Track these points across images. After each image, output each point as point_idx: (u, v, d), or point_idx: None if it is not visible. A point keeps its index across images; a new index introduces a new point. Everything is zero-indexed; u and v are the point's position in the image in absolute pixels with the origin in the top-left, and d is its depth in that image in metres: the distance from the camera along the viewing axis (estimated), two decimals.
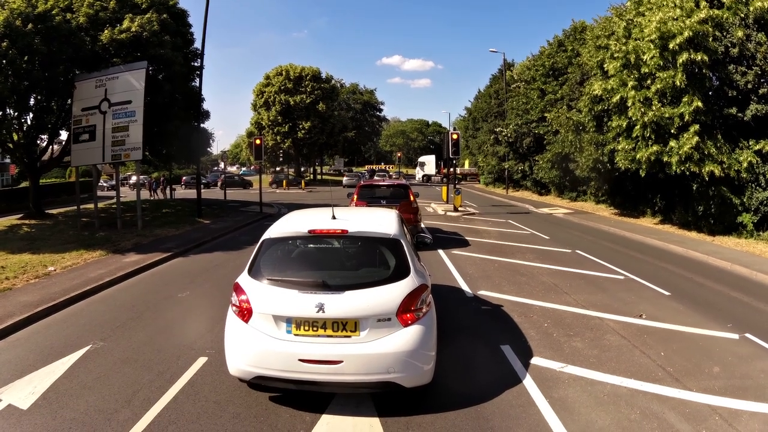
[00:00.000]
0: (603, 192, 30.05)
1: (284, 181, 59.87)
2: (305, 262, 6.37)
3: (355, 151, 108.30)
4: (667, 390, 6.21)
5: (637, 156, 19.57)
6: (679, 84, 17.87)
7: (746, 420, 5.53)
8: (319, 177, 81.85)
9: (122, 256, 14.81)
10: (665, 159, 18.55)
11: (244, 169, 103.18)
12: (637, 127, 19.27)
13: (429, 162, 78.20)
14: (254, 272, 5.91)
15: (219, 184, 58.57)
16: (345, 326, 5.38)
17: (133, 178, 43.76)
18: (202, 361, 7.01)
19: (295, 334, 5.40)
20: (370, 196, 16.96)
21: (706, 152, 17.69)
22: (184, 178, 60.87)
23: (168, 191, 43.31)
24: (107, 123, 19.78)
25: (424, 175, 76.02)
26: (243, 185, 58.40)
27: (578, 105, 27.74)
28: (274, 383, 5.55)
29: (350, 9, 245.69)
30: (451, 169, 35.38)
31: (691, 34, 17.66)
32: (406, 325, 5.44)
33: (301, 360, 5.27)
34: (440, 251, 15.51)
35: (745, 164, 17.40)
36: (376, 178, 59.91)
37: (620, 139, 20.98)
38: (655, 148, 18.81)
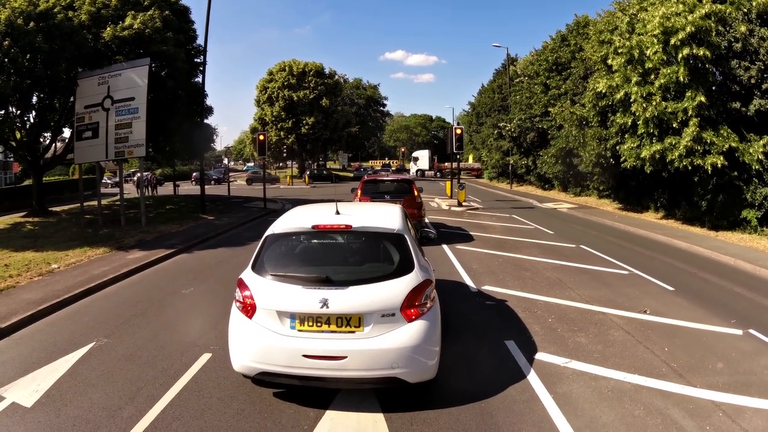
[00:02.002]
0: (606, 187, 30.00)
1: (308, 177, 60.57)
2: (309, 258, 6.35)
3: (358, 146, 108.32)
4: (670, 386, 6.20)
5: (642, 154, 19.53)
6: (682, 79, 17.79)
7: (750, 416, 5.52)
8: (324, 172, 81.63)
9: (126, 252, 14.83)
10: (668, 157, 18.50)
11: (248, 165, 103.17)
12: (640, 123, 19.23)
13: (423, 157, 79.80)
14: (258, 268, 5.90)
15: (246, 179, 58.69)
16: (349, 322, 5.37)
17: (138, 175, 43.43)
18: (206, 357, 7.02)
19: (299, 330, 5.40)
20: (373, 191, 16.94)
21: (708, 141, 17.57)
22: (194, 174, 60.13)
23: (149, 188, 42.57)
24: (110, 120, 19.81)
25: (417, 170, 77.17)
26: (270, 181, 58.22)
27: (582, 100, 27.66)
28: (278, 379, 5.55)
29: (353, 4, 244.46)
30: (454, 164, 35.37)
31: (693, 29, 17.56)
32: (410, 320, 5.43)
33: (305, 356, 5.27)
34: (444, 246, 15.51)
35: (756, 155, 17.20)
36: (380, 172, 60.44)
37: (626, 136, 20.93)
38: (657, 146, 18.77)
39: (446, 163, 76.22)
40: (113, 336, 8.01)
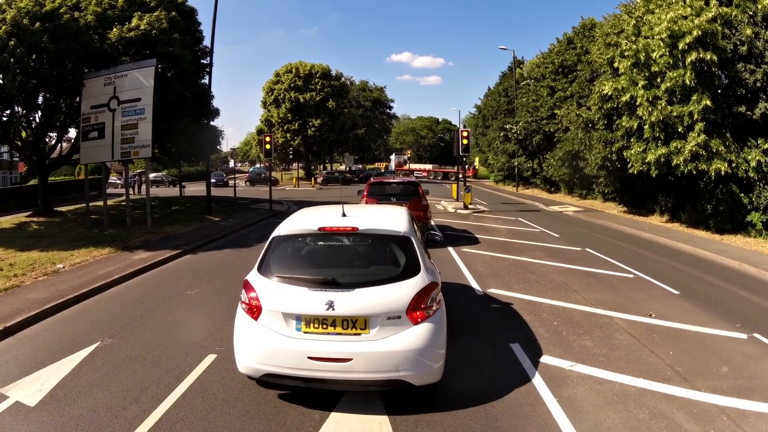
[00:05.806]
0: (612, 190, 29.96)
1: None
2: (315, 260, 6.35)
3: (365, 148, 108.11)
4: (675, 389, 6.19)
5: (647, 158, 19.51)
6: (688, 83, 17.79)
7: (754, 420, 5.51)
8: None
9: (131, 253, 14.86)
10: (673, 161, 18.49)
11: (255, 166, 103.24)
12: (646, 127, 19.22)
13: (392, 159, 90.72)
14: (264, 270, 5.90)
15: (320, 180, 58.35)
16: (355, 324, 5.37)
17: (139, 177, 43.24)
18: (211, 358, 7.03)
19: (305, 332, 5.40)
20: (380, 194, 16.94)
21: (714, 150, 17.60)
22: (248, 173, 58.95)
23: (138, 188, 42.66)
24: (116, 121, 19.89)
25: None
26: (345, 182, 57.65)
27: (588, 103, 27.64)
28: (283, 381, 5.56)
29: (360, 6, 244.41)
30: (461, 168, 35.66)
31: (700, 33, 17.55)
32: (416, 323, 5.43)
33: (310, 357, 5.27)
34: (450, 249, 15.50)
35: (753, 163, 17.32)
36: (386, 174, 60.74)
37: (632, 140, 20.92)
38: (663, 150, 18.77)
39: (405, 165, 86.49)
40: (118, 336, 8.03)
